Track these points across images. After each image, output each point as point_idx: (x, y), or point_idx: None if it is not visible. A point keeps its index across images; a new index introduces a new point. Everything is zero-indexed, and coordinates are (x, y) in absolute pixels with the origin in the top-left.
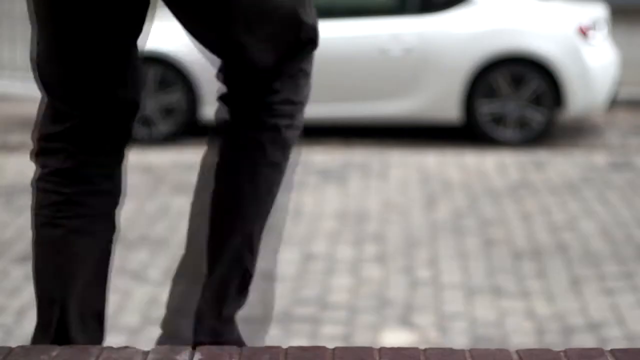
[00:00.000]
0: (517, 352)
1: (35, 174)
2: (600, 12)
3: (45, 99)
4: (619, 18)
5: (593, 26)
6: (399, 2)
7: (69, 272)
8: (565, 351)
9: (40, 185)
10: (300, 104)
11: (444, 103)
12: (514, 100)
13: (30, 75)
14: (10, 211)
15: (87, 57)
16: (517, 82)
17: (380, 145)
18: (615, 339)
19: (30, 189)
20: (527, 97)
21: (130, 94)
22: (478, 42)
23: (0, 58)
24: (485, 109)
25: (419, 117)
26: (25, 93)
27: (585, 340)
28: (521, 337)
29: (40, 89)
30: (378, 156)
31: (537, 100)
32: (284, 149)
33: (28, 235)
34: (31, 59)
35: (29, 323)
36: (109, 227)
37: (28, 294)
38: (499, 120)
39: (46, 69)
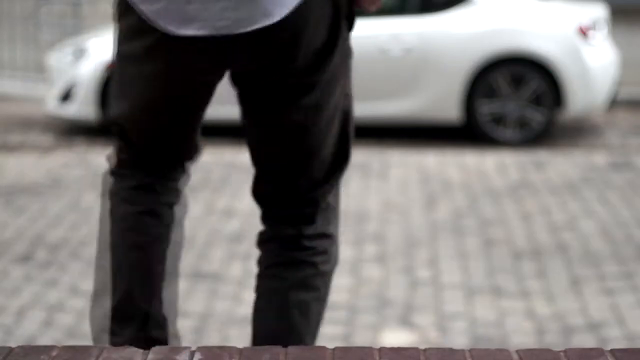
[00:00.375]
0: (517, 352)
1: (113, 185)
2: (600, 12)
3: (121, 144)
4: (619, 18)
5: (593, 26)
6: (399, 2)
7: (151, 274)
8: (565, 351)
9: (123, 194)
10: (333, 237)
11: (444, 103)
12: (514, 100)
13: (30, 75)
14: (10, 211)
15: (168, 123)
16: (517, 82)
17: (380, 145)
18: (615, 339)
19: (30, 190)
20: (527, 97)
21: (197, 142)
22: (478, 42)
23: (0, 58)
24: (485, 109)
25: (419, 117)
26: (25, 93)
27: (585, 340)
28: (521, 337)
29: (116, 139)
30: (378, 156)
31: (537, 100)
32: (324, 279)
33: (28, 235)
34: (109, 117)
35: (29, 323)
36: (170, 237)
37: (28, 294)
38: (499, 120)
39: (127, 127)
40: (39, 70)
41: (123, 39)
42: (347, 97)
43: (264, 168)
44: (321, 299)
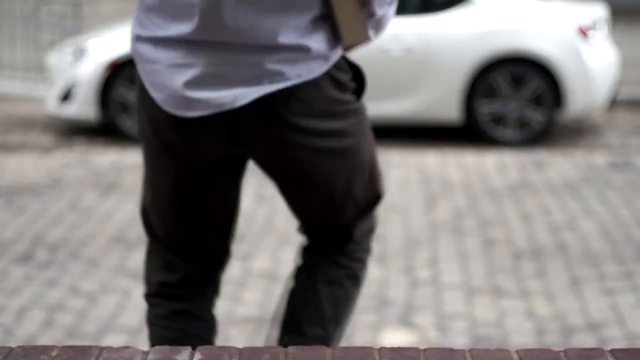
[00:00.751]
0: (517, 352)
1: (149, 312)
2: (600, 12)
3: (154, 249)
4: (619, 18)
5: (593, 26)
6: (399, 2)
7: None
8: (565, 351)
9: (158, 322)
10: (369, 251)
11: (444, 103)
12: (514, 100)
13: (30, 75)
14: (10, 211)
15: (202, 220)
16: (517, 82)
17: (380, 145)
18: (615, 339)
19: (30, 190)
20: (527, 97)
21: (230, 242)
22: (478, 42)
23: (0, 58)
24: (485, 109)
25: (419, 117)
26: (25, 93)
27: (585, 340)
28: (521, 337)
29: (149, 238)
30: (378, 156)
31: (537, 100)
32: (356, 283)
33: (28, 235)
34: (143, 211)
35: (29, 323)
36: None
37: (28, 294)
38: (499, 120)
39: (161, 225)
40: (39, 70)
41: (140, 122)
42: (370, 144)
43: (305, 221)
44: (350, 299)
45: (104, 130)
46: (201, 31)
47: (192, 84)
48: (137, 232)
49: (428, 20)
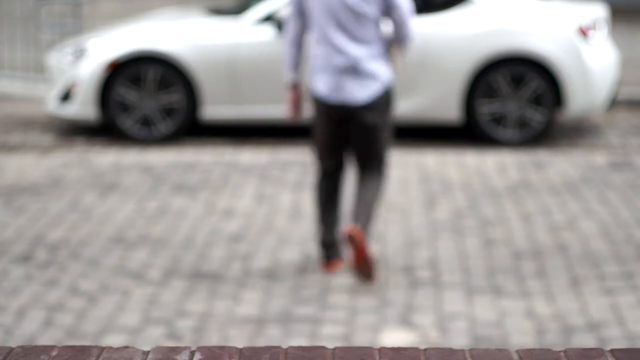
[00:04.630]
0: (517, 352)
1: (319, 187)
2: (600, 12)
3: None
4: (619, 18)
5: (593, 26)
6: None
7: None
8: (565, 351)
9: (323, 189)
10: (387, 166)
11: (444, 103)
12: (514, 100)
13: (30, 75)
14: (10, 211)
15: (337, 144)
16: (517, 82)
17: None
18: (615, 339)
19: (30, 189)
20: (527, 97)
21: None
22: (478, 42)
23: (0, 58)
24: (485, 109)
25: (419, 117)
26: (25, 93)
27: (585, 340)
28: (521, 337)
29: (315, 155)
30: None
31: (537, 100)
32: (382, 183)
33: (28, 235)
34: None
35: (29, 323)
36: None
37: (28, 294)
38: (499, 120)
39: (321, 148)
40: (39, 70)
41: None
42: (390, 119)
43: (358, 157)
44: (379, 192)
45: (103, 130)
46: None
47: None
48: (137, 232)
49: (428, 20)
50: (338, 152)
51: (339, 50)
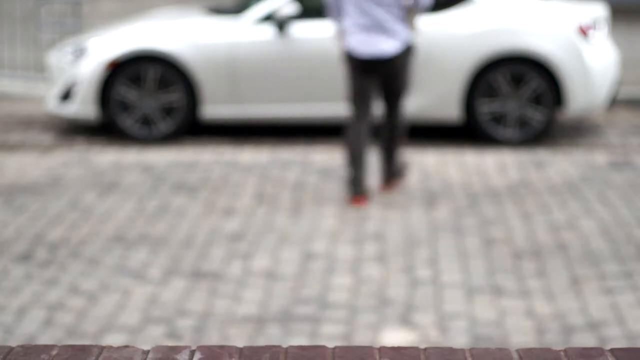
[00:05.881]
0: (517, 351)
1: (350, 130)
2: (600, 12)
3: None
4: (619, 18)
5: (593, 26)
6: None
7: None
8: (565, 350)
9: (354, 128)
10: (402, 112)
11: (444, 102)
12: (514, 99)
13: (30, 74)
14: (10, 210)
15: (366, 92)
16: (517, 81)
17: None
18: (615, 339)
19: (30, 189)
20: (527, 97)
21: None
22: (478, 42)
23: (0, 58)
24: (485, 108)
25: (419, 116)
26: (25, 92)
27: (585, 340)
28: (521, 336)
29: (350, 105)
30: (377, 156)
31: (537, 100)
32: (403, 118)
33: (28, 234)
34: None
35: (29, 322)
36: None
37: (28, 293)
38: (499, 119)
39: (354, 97)
40: (39, 69)
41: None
42: (410, 69)
43: (384, 99)
44: (403, 126)
45: (104, 129)
46: None
47: None
48: (137, 232)
49: (428, 20)
50: (367, 99)
51: (366, 13)
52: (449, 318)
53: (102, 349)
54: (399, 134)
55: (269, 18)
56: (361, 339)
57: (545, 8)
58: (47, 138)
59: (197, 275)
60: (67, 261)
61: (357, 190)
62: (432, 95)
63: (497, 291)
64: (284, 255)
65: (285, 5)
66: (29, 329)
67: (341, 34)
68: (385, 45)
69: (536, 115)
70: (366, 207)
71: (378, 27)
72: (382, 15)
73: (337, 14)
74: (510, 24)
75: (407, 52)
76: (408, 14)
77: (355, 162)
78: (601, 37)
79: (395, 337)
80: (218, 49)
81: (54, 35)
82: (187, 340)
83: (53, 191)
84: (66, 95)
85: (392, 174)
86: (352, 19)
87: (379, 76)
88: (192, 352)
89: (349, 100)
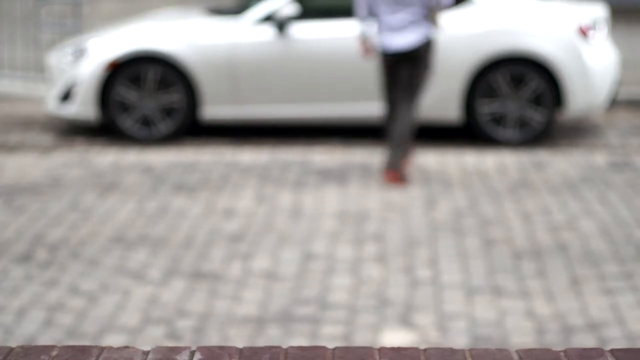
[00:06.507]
0: (517, 352)
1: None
2: (600, 12)
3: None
4: (619, 18)
5: (593, 26)
6: None
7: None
8: (565, 351)
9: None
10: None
11: (444, 103)
12: (514, 100)
13: (30, 75)
14: (10, 211)
15: (395, 84)
16: (517, 82)
17: (381, 145)
18: (615, 339)
19: (30, 189)
20: (527, 97)
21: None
22: (478, 42)
23: (0, 58)
24: (485, 109)
25: (419, 117)
26: (25, 93)
27: (585, 340)
28: (521, 337)
29: (385, 99)
30: (378, 156)
31: (537, 100)
32: (415, 106)
33: (28, 235)
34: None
35: (29, 323)
36: None
37: (28, 294)
38: (499, 120)
39: (386, 89)
40: (39, 70)
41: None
42: (430, 64)
43: (407, 89)
44: (414, 119)
45: (103, 130)
46: None
47: None
48: (137, 232)
49: None
50: (396, 90)
51: (393, 13)
52: (448, 318)
53: (102, 349)
54: (410, 125)
55: (269, 19)
56: (361, 339)
57: (545, 9)
58: (47, 139)
59: (197, 275)
60: (67, 262)
61: (390, 166)
62: (433, 96)
63: (497, 291)
64: (284, 255)
65: (285, 5)
66: (29, 330)
67: (368, 34)
68: (409, 39)
69: (536, 116)
70: (395, 184)
71: (404, 25)
72: (408, 14)
73: (365, 15)
74: (510, 25)
75: (428, 45)
76: (431, 12)
77: (389, 144)
78: (601, 37)
79: (395, 337)
80: (218, 50)
81: (54, 36)
82: (187, 340)
83: (53, 192)
84: (66, 96)
85: (396, 164)
86: (382, 18)
87: (404, 68)
88: (192, 353)
89: (381, 92)
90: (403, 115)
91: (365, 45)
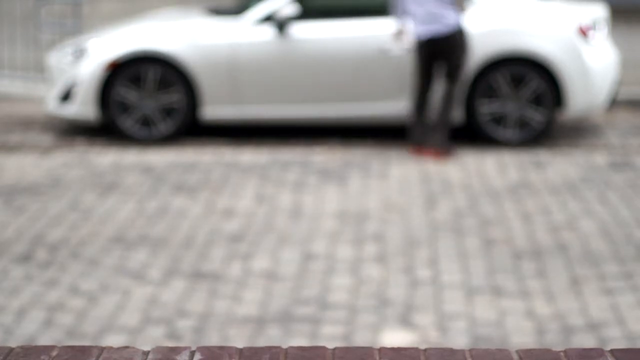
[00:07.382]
0: (517, 352)
1: (412, 115)
2: (600, 12)
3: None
4: (619, 18)
5: (593, 26)
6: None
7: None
8: (565, 351)
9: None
10: (460, 80)
11: None
12: (514, 100)
13: (30, 75)
14: (10, 211)
15: (429, 70)
16: (517, 82)
17: (380, 145)
18: (615, 339)
19: (30, 189)
20: (527, 97)
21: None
22: (478, 43)
23: (0, 58)
24: (486, 109)
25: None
26: (25, 93)
27: (585, 340)
28: (521, 337)
29: (417, 92)
30: (378, 156)
31: (537, 100)
32: (455, 89)
33: (28, 235)
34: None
35: (29, 323)
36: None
37: (28, 294)
38: (499, 120)
39: (420, 74)
40: (39, 70)
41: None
42: (463, 50)
43: (445, 76)
44: (452, 103)
45: (103, 130)
46: None
47: None
48: (137, 232)
49: None
50: (430, 76)
51: (422, 6)
52: (448, 318)
53: (102, 349)
54: (449, 107)
55: (269, 19)
56: (361, 339)
57: (545, 9)
58: (47, 139)
59: (197, 275)
60: (67, 262)
61: (418, 141)
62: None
63: (497, 291)
64: (284, 255)
65: (286, 6)
66: (29, 330)
67: (404, 30)
68: (440, 28)
69: (536, 116)
70: (427, 158)
71: (433, 16)
72: (436, 5)
73: (401, 13)
74: (510, 25)
75: (459, 34)
76: (457, 2)
77: (420, 123)
78: (601, 37)
79: (395, 337)
80: (218, 50)
81: (54, 36)
82: (187, 340)
83: (53, 192)
84: (66, 96)
85: (444, 142)
86: (413, 13)
87: (439, 58)
88: (192, 353)
89: (416, 78)
90: (445, 101)
91: (404, 38)
